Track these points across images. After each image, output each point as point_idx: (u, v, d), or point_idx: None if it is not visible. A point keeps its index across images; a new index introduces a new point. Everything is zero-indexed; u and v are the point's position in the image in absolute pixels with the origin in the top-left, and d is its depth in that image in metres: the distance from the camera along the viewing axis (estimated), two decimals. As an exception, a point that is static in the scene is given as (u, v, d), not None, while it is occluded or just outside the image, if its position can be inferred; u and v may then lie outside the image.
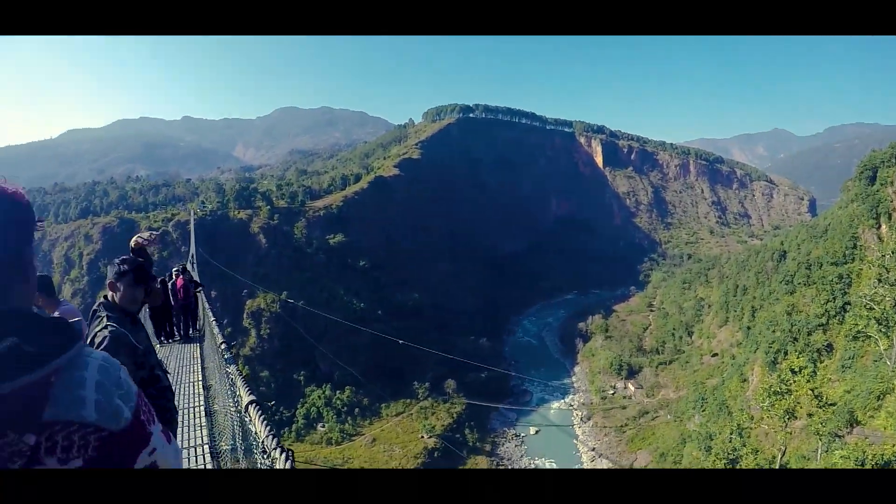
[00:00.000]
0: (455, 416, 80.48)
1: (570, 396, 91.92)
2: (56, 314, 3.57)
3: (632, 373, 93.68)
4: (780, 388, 44.89)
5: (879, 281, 52.42)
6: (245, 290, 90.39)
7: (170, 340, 14.84)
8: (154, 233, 5.98)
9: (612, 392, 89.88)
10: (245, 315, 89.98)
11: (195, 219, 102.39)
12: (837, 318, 60.92)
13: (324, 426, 76.56)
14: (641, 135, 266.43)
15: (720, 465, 46.13)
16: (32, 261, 1.25)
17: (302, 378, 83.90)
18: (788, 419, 43.97)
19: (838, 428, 42.81)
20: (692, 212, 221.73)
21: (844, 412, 43.88)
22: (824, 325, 61.93)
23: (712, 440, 53.94)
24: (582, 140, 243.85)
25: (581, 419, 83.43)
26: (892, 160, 66.45)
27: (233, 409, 6.03)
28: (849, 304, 59.59)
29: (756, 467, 42.94)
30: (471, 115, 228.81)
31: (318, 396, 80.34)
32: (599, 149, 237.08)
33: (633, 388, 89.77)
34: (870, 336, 51.46)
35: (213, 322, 11.92)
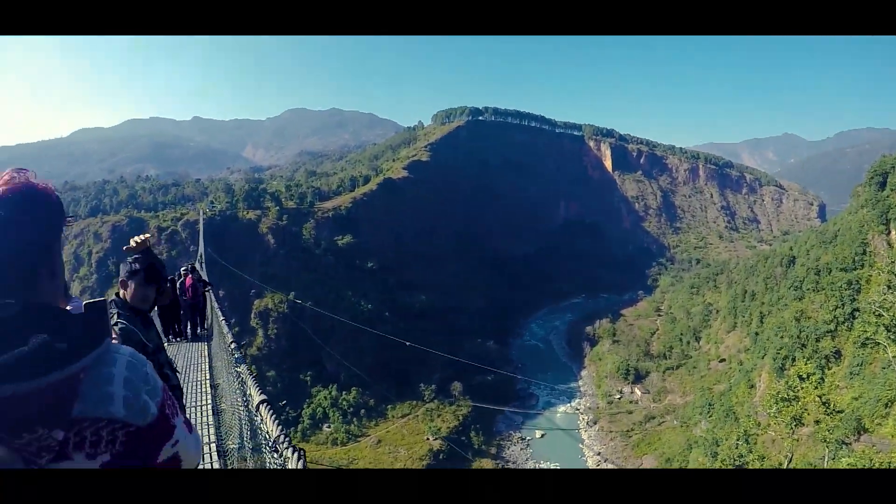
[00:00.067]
0: (461, 418, 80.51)
1: (577, 400, 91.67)
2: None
3: (639, 377, 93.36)
4: (788, 395, 44.44)
5: (889, 287, 51.69)
6: (253, 290, 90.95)
7: (178, 339, 15.04)
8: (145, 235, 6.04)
9: (618, 396, 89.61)
10: (253, 315, 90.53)
11: (204, 218, 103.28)
12: (846, 324, 60.47)
13: (329, 427, 76.83)
14: (651, 138, 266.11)
15: (725, 471, 45.77)
16: (61, 257, 1.25)
17: (308, 378, 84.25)
18: (795, 426, 43.61)
19: (846, 435, 42.51)
20: (701, 216, 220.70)
21: (852, 419, 43.59)
22: (833, 331, 61.49)
23: (719, 446, 53.57)
24: (591, 143, 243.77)
25: (587, 423, 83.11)
26: (903, 165, 65.95)
27: (241, 408, 6.14)
28: (857, 310, 59.01)
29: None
30: (480, 117, 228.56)
31: (325, 397, 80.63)
32: (609, 152, 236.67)
33: (639, 393, 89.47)
34: (878, 343, 50.76)
35: (223, 321, 11.90)
